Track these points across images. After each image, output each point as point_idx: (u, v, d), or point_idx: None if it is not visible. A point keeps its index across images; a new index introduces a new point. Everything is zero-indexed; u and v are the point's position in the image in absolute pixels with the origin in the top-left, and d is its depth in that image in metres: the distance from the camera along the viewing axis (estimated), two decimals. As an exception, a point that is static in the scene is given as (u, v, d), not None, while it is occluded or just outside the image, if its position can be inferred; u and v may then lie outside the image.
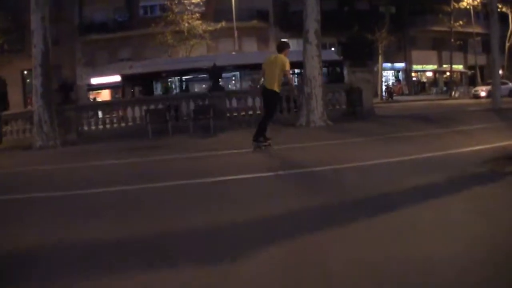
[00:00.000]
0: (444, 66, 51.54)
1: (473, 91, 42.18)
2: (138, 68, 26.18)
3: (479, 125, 12.94)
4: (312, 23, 15.41)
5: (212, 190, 6.21)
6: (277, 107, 11.43)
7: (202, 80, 25.11)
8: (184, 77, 26.28)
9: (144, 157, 10.33)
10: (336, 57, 27.07)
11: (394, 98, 43.31)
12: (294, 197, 5.38)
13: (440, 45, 52.34)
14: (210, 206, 5.17)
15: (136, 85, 26.25)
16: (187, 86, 26.56)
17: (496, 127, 12.58)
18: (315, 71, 15.26)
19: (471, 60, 50.88)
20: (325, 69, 26.38)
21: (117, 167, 9.37)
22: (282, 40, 13.03)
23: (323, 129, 14.07)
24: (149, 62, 29.15)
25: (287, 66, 9.87)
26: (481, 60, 52.43)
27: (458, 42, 47.85)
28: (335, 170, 7.11)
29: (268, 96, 10.18)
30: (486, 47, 54.25)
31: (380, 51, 41.59)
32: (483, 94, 39.63)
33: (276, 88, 9.98)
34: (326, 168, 7.20)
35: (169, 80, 26.49)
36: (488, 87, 40.21)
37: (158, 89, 26.17)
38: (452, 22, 43.78)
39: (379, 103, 37.05)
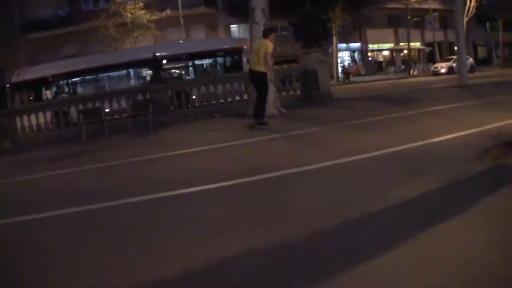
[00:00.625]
0: (401, 44, 51.25)
1: (432, 68, 41.86)
2: (27, 74, 24.83)
3: (451, 104, 12.02)
4: (258, 0, 13.77)
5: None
6: (267, 86, 11.33)
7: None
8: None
9: (79, 166, 8.67)
10: (234, 44, 25.43)
11: (351, 79, 42.42)
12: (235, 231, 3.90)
13: (396, 23, 52.01)
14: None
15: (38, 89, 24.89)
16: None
17: (472, 106, 11.74)
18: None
19: (429, 37, 50.60)
20: (221, 59, 25.51)
21: (53, 180, 7.84)
22: (268, 26, 13.05)
23: (277, 118, 12.60)
24: (39, 67, 27.13)
25: (269, 49, 10.73)
26: (439, 36, 52.33)
27: (415, 19, 47.18)
28: (293, 174, 5.73)
29: (255, 77, 11.12)
30: (443, 23, 54.50)
31: (334, 31, 40.41)
32: (443, 70, 39.56)
33: (260, 68, 10.85)
34: (278, 174, 5.75)
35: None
36: (448, 63, 40.11)
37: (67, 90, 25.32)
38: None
39: (336, 84, 36.30)
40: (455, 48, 55.10)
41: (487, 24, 64.11)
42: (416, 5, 44.44)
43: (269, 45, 10.80)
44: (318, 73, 16.35)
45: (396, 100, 15.20)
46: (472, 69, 40.17)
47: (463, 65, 21.17)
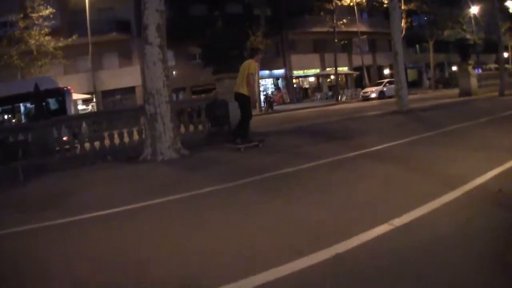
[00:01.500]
0: (328, 69, 50.25)
1: (362, 93, 41.06)
2: None
3: (402, 139, 9.95)
4: (152, 14, 11.37)
5: None
6: (249, 109, 11.45)
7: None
8: None
9: None
10: (55, 84, 22.81)
11: (275, 108, 40.79)
12: None
13: (322, 47, 51.21)
14: None
15: None
16: None
17: (430, 141, 9.67)
18: (159, 82, 11.15)
19: (357, 61, 50.28)
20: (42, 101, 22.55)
21: None
22: (256, 46, 13.75)
23: (174, 164, 10.08)
24: None
25: (251, 69, 10.82)
26: (368, 60, 52.13)
27: (342, 42, 46.47)
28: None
29: (238, 98, 11.20)
30: (372, 46, 54.56)
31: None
32: (373, 95, 38.90)
33: (242, 91, 10.93)
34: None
35: None
36: (379, 88, 39.60)
37: None
38: (335, 21, 42.17)
39: (258, 115, 34.23)
40: (385, 71, 56.02)
41: (417, 46, 65.15)
42: (344, 28, 43.68)
43: (252, 65, 10.94)
44: (228, 103, 14.33)
45: (328, 133, 12.85)
46: None
47: (403, 88, 19.12)
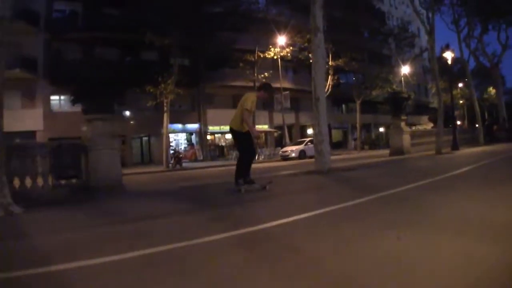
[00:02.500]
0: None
1: (281, 152, 39.27)
2: None
3: (326, 207, 6.66)
4: None
5: None
6: (245, 145, 10.28)
7: None
8: None
9: None
10: None
11: (186, 164, 38.26)
12: None
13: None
14: None
15: None
16: None
17: (379, 210, 6.63)
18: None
19: (278, 120, 48.88)
20: None
21: None
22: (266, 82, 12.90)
23: None
24: None
25: (247, 104, 9.77)
26: (290, 118, 50.90)
27: None
28: None
29: (234, 136, 10.49)
30: (295, 104, 53.48)
31: (165, 109, 35.95)
32: (293, 155, 37.36)
33: (236, 126, 10.05)
34: None
35: None
36: (299, 147, 38.18)
37: None
38: (256, 74, 40.50)
39: (164, 171, 32.89)
40: (308, 131, 54.86)
41: (343, 106, 65.03)
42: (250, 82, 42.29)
43: (249, 99, 9.89)
44: (88, 150, 11.59)
45: (207, 198, 10.12)
46: None
47: (325, 142, 15.73)
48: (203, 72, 44.46)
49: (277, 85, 42.75)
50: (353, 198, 7.45)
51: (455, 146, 28.48)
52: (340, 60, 46.63)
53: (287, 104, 42.96)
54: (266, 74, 40.83)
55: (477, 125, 42.23)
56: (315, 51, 16.54)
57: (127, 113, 43.41)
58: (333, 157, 33.38)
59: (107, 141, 12.17)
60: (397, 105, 28.25)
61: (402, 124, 27.61)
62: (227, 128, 38.84)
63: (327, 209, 6.56)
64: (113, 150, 12.48)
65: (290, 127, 52.38)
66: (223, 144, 52.82)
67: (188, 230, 5.70)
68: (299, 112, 55.68)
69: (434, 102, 76.40)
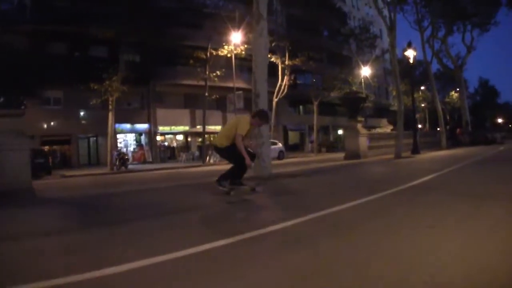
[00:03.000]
0: (198, 126, 47.18)
1: (231, 153, 38.16)
2: None
3: (252, 231, 5.25)
4: None
5: None
6: (239, 158, 9.31)
7: None
8: None
9: None
10: None
11: (134, 166, 37.46)
12: None
13: (194, 102, 48.10)
14: None
15: None
16: None
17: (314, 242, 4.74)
18: None
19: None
20: None
21: None
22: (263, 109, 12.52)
23: None
24: None
25: (241, 129, 9.39)
26: (244, 119, 49.90)
27: (214, 96, 43.23)
28: None
29: (221, 153, 10.14)
30: (250, 105, 52.48)
31: (110, 107, 34.57)
32: (246, 157, 35.87)
33: (220, 145, 9.78)
34: None
35: None
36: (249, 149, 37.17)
37: None
38: (207, 72, 39.34)
39: (106, 173, 31.69)
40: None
41: (300, 107, 64.50)
42: (218, 82, 41.02)
43: (244, 123, 9.48)
44: (3, 153, 10.47)
45: (95, 213, 8.55)
46: (281, 155, 39.84)
47: (265, 145, 14.52)
48: (153, 69, 43.26)
49: (230, 84, 41.89)
50: (283, 219, 5.93)
51: (415, 150, 27.71)
52: (297, 60, 45.94)
53: (240, 104, 41.89)
54: (218, 72, 39.53)
55: (438, 129, 41.92)
56: (256, 40, 15.31)
57: (81, 113, 42.31)
58: (288, 160, 32.88)
59: (14, 140, 11.08)
60: (353, 106, 27.55)
61: (359, 126, 26.84)
62: (178, 128, 37.40)
63: (241, 236, 4.94)
64: (22, 151, 11.38)
65: (244, 129, 51.41)
66: (174, 145, 51.54)
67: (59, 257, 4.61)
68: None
69: (395, 105, 76.45)
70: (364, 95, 29.02)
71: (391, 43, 26.82)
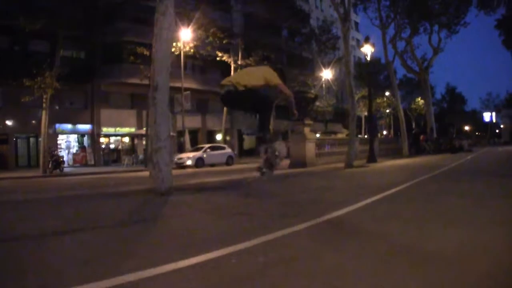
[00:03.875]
0: (145, 128, 45.47)
1: (176, 159, 36.54)
2: None
3: None
4: None
5: None
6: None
7: None
8: None
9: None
10: None
11: (75, 169, 36.70)
12: None
13: (142, 102, 46.13)
14: None
15: None
16: None
17: None
18: None
19: (187, 123, 46.71)
20: None
21: None
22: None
23: None
24: None
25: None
26: (195, 122, 48.67)
27: None
28: None
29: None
30: (202, 108, 51.41)
31: (44, 105, 32.67)
32: (189, 162, 34.65)
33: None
34: None
35: None
36: (197, 154, 36.05)
37: None
38: (152, 71, 37.58)
39: (39, 176, 30.12)
40: (217, 137, 52.60)
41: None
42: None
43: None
44: None
45: None
46: (230, 161, 38.53)
47: (162, 149, 10.40)
48: (97, 66, 41.54)
49: (177, 84, 40.38)
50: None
51: (372, 158, 25.47)
52: (251, 59, 44.66)
53: (188, 105, 40.45)
54: (163, 70, 38.01)
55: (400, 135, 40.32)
56: (158, 20, 12.39)
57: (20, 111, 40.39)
58: (236, 166, 31.22)
59: None
60: (300, 107, 26.01)
61: (306, 130, 24.85)
62: (123, 130, 35.56)
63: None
64: None
65: (195, 132, 50.24)
66: (120, 147, 49.65)
67: None
68: (206, 115, 53.38)
69: (359, 110, 75.96)
70: (313, 95, 27.29)
71: (344, 35, 24.18)
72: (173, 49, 37.91)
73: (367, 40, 27.34)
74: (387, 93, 75.49)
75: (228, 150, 39.33)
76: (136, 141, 49.85)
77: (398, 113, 38.52)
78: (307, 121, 24.41)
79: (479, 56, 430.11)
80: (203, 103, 52.65)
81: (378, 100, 71.47)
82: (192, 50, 38.98)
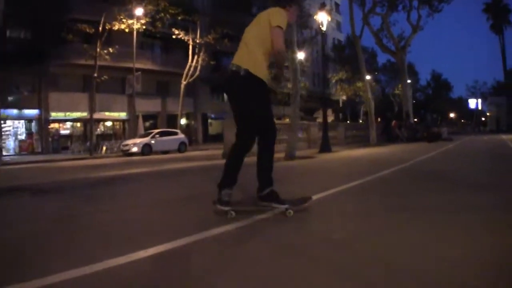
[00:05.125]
0: (101, 113, 42.99)
1: (122, 145, 34.19)
2: None
3: None
4: None
5: None
6: (268, 112, 5.29)
7: None
8: None
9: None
10: None
11: (20, 157, 34.66)
12: None
13: (97, 85, 43.64)
14: None
15: None
16: None
17: None
18: None
19: (146, 106, 44.44)
20: None
21: None
22: None
23: None
24: None
25: (280, 20, 5.10)
26: (155, 105, 46.36)
27: (103, 77, 38.58)
28: None
29: (242, 91, 5.18)
30: (163, 90, 49.04)
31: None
32: (135, 149, 32.03)
33: (259, 73, 5.08)
34: None
35: None
36: (144, 140, 33.56)
37: None
38: (98, 49, 35.18)
39: None
40: (182, 121, 50.06)
41: (225, 93, 61.11)
42: (109, 61, 37.16)
43: (280, 14, 5.14)
44: None
45: None
46: (182, 148, 36.05)
47: None
48: (45, 47, 38.87)
49: (130, 64, 38.14)
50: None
51: (325, 147, 22.28)
52: (209, 37, 42.46)
53: (139, 87, 38.01)
54: (110, 49, 35.51)
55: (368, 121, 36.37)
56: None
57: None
58: (194, 153, 28.82)
59: None
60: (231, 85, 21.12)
61: None
62: (74, 115, 32.54)
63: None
64: None
65: (155, 117, 48.04)
66: (71, 133, 46.70)
67: None
68: (167, 99, 50.85)
69: (337, 94, 73.86)
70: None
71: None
72: (123, 26, 35.53)
73: (322, 7, 24.15)
74: (368, 77, 73.43)
75: (180, 136, 36.83)
76: (89, 126, 47.00)
77: (366, 94, 35.05)
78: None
79: (466, 42, 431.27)
80: (164, 85, 50.63)
81: (359, 84, 69.50)
82: (143, 27, 36.62)
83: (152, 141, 33.75)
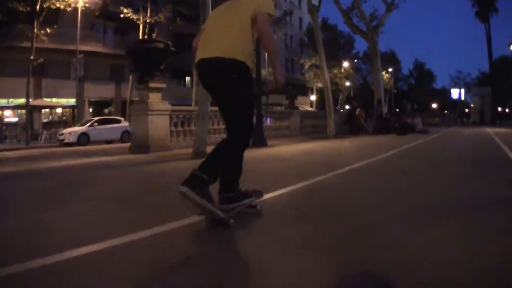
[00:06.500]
0: (46, 99, 40.60)
1: (58, 135, 31.94)
2: None
3: None
4: None
5: None
6: (249, 106, 4.57)
7: None
8: None
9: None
10: None
11: None
12: None
13: (43, 69, 41.25)
14: None
15: None
16: None
17: None
18: None
19: (99, 92, 42.17)
20: None
21: None
22: None
23: None
24: None
25: (269, 7, 4.49)
26: (108, 91, 44.04)
27: (38, 61, 36.12)
28: None
29: (223, 80, 4.42)
30: (116, 75, 46.62)
31: None
32: (70, 139, 29.70)
33: (242, 57, 4.35)
34: None
35: None
36: (82, 128, 31.19)
37: None
38: (35, 30, 32.78)
39: None
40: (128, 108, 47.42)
41: (187, 79, 58.57)
42: (56, 44, 34.93)
43: (271, 2, 4.56)
44: None
45: None
46: (126, 137, 32.03)
47: None
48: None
49: (72, 47, 35.86)
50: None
51: (260, 141, 17.71)
52: (160, 15, 40.15)
53: (81, 71, 35.59)
54: (48, 30, 33.09)
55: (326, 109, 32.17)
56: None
57: None
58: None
59: None
60: (143, 63, 15.30)
61: (152, 97, 15.83)
62: (18, 101, 29.61)
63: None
64: None
65: (108, 103, 45.56)
66: (16, 121, 44.36)
67: None
68: (121, 84, 48.47)
69: (311, 81, 71.89)
70: (162, 45, 16.18)
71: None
72: (61, 4, 33.24)
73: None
74: (345, 64, 72.02)
75: (124, 124, 33.93)
76: (34, 114, 44.62)
77: (322, 79, 31.23)
78: (153, 84, 15.85)
79: (451, 30, 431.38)
80: (118, 69, 48.33)
81: (335, 72, 67.62)
82: (86, 5, 34.38)
83: (90, 130, 31.36)
